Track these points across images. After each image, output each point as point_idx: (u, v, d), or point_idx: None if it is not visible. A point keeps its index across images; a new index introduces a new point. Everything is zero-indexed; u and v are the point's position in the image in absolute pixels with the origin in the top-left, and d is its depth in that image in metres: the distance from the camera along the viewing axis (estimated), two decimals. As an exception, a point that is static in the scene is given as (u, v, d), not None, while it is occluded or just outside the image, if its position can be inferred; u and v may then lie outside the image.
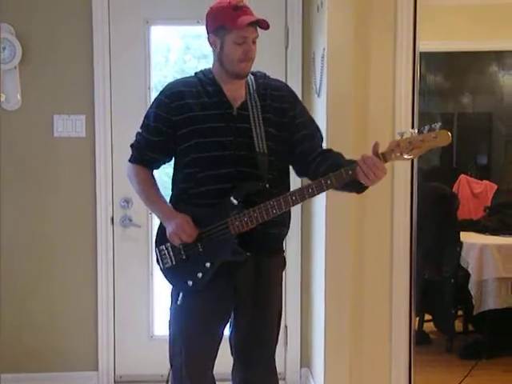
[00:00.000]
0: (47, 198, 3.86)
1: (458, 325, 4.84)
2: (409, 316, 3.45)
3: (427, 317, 4.84)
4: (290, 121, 2.58)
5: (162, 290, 4.01)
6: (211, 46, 2.54)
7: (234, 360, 2.71)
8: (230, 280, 2.50)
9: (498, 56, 4.15)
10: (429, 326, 4.83)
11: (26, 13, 3.80)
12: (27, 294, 3.88)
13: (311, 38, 3.77)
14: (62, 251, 3.88)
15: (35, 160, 3.85)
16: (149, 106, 2.62)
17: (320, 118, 3.12)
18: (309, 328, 3.78)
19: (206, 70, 2.61)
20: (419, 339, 4.33)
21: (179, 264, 2.51)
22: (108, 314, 3.89)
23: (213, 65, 2.59)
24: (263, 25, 2.48)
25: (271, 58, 3.68)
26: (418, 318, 4.51)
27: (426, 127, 2.30)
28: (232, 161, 2.47)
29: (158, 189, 2.64)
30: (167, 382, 2.70)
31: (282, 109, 2.57)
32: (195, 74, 2.62)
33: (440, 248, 4.46)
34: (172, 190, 2.62)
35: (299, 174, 2.67)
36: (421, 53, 3.35)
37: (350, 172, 2.35)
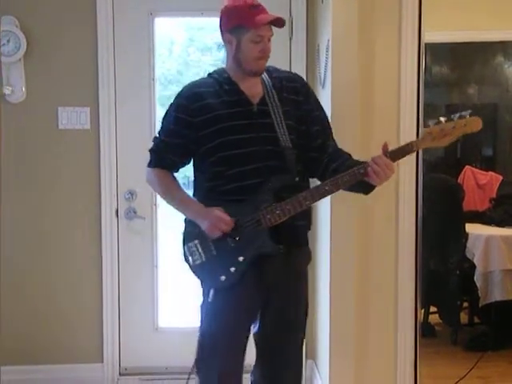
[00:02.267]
0: (52, 190, 3.87)
1: (464, 317, 4.83)
2: (414, 308, 3.44)
3: (432, 309, 4.83)
4: (306, 114, 2.60)
5: (166, 282, 4.03)
6: (226, 44, 2.55)
7: (257, 356, 2.68)
8: (260, 274, 2.49)
9: (504, 46, 4.13)
10: (434, 318, 4.82)
11: (30, 5, 3.79)
12: (31, 287, 3.89)
13: (316, 29, 3.75)
14: (67, 244, 3.88)
15: (40, 152, 3.85)
16: (166, 110, 2.63)
17: (325, 109, 3.10)
18: (314, 320, 3.78)
19: (219, 69, 2.63)
20: (424, 331, 4.31)
21: (210, 260, 2.51)
22: (113, 306, 3.90)
23: (226, 64, 2.60)
24: (279, 23, 2.50)
25: (275, 50, 3.58)
26: (423, 310, 4.50)
27: (457, 115, 2.37)
28: (259, 156, 2.49)
29: (183, 189, 2.64)
30: (189, 374, 2.70)
31: (298, 101, 2.60)
32: (209, 74, 2.63)
33: (445, 239, 4.44)
34: (195, 189, 2.63)
35: (310, 172, 2.65)
36: (426, 44, 3.33)
37: (362, 171, 2.41)
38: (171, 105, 2.61)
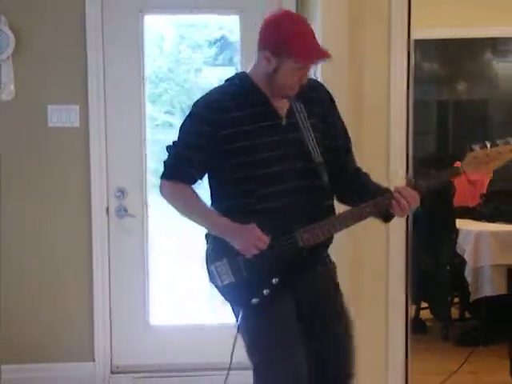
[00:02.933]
0: (41, 188, 3.84)
1: (455, 312, 4.86)
2: (405, 304, 3.46)
3: (424, 304, 4.85)
4: (330, 127, 2.45)
5: (157, 280, 4.03)
6: (262, 59, 2.32)
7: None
8: (294, 294, 2.36)
9: (493, 43, 4.15)
10: (425, 314, 4.85)
11: (18, 3, 3.77)
12: (22, 284, 3.87)
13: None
14: (57, 241, 3.86)
15: (29, 150, 3.83)
16: (185, 120, 2.42)
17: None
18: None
19: (241, 75, 2.43)
20: (416, 327, 4.34)
21: (240, 280, 2.32)
22: (104, 304, 3.88)
23: (254, 71, 2.38)
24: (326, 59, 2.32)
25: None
26: (414, 306, 4.53)
27: (502, 141, 2.34)
28: (291, 174, 2.33)
29: (206, 203, 2.41)
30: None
31: (323, 113, 2.44)
32: (229, 81, 2.43)
33: (436, 235, 4.46)
34: (212, 203, 2.43)
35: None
36: (416, 40, 3.35)
37: (387, 201, 2.32)
38: (191, 115, 2.39)
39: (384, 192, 2.36)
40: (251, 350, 2.38)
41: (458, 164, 4.99)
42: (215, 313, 3.99)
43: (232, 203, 2.37)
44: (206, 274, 2.41)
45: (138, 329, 3.95)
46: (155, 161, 4.31)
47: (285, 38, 2.25)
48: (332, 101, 2.50)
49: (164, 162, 2.45)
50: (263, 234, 2.27)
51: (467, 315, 4.80)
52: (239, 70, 3.81)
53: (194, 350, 3.92)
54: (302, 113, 2.37)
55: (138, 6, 3.83)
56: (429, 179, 2.37)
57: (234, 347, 2.45)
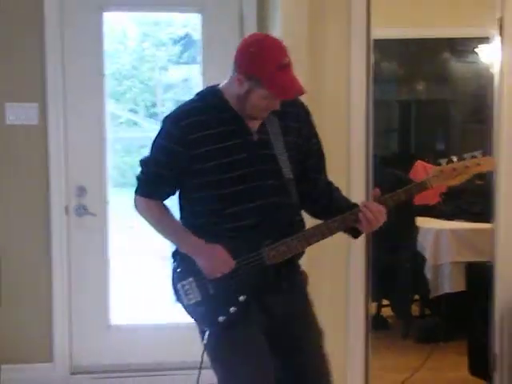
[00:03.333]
0: (0, 186, 3.80)
1: (415, 309, 4.91)
2: (365, 301, 3.48)
3: (385, 302, 4.89)
4: (305, 142, 2.40)
5: (118, 280, 4.00)
6: (234, 80, 2.25)
7: None
8: (261, 312, 2.32)
9: (451, 43, 4.21)
10: (387, 311, 4.89)
11: (-25, -1, 3.72)
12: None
13: (267, 24, 3.76)
14: (16, 240, 3.81)
15: (-13, 149, 3.79)
16: (157, 137, 2.35)
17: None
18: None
19: (212, 90, 2.36)
20: (377, 324, 4.38)
21: (206, 299, 2.30)
22: (63, 303, 3.84)
23: (227, 88, 2.31)
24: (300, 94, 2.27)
25: (226, 41, 3.65)
26: (375, 304, 4.56)
27: (469, 155, 2.35)
28: (261, 192, 2.29)
29: (177, 220, 2.40)
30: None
31: (298, 128, 2.38)
32: (200, 96, 2.38)
33: (397, 234, 4.49)
34: (183, 221, 2.40)
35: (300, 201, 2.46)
36: (375, 40, 3.37)
37: (354, 217, 2.30)
38: (163, 132, 2.34)
39: (352, 207, 2.34)
40: (215, 365, 2.36)
41: (419, 163, 5.07)
42: (175, 312, 3.98)
43: (199, 222, 2.35)
44: (172, 293, 2.39)
45: (99, 328, 3.92)
46: (118, 159, 4.29)
47: (261, 68, 2.20)
48: (308, 115, 2.45)
49: (137, 178, 2.43)
50: (229, 258, 2.27)
51: (427, 312, 4.85)
52: (202, 69, 3.88)
53: (154, 350, 3.91)
54: (275, 128, 2.34)
55: (98, 2, 3.79)
56: (396, 194, 2.34)
57: (203, 355, 2.38)
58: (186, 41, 4.23)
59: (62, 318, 3.85)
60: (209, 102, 2.33)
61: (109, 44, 3.87)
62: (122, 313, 4.02)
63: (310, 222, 2.45)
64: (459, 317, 4.26)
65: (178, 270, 2.37)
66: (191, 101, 2.38)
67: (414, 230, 4.55)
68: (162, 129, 2.35)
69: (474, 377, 3.87)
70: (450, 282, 4.44)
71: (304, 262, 3.18)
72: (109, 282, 3.92)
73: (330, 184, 2.50)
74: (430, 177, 2.35)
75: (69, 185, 3.82)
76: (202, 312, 2.33)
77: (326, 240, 3.33)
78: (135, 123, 4.47)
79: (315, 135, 2.47)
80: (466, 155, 2.37)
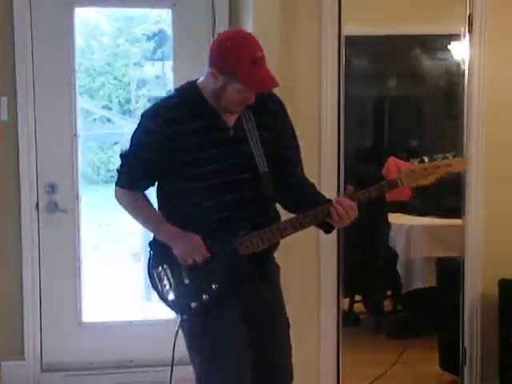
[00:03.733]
0: (-32, 183, 3.76)
1: (388, 304, 4.93)
2: (337, 297, 3.50)
3: (357, 297, 4.91)
4: (280, 138, 2.45)
5: (90, 277, 3.98)
6: (210, 75, 2.30)
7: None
8: (233, 300, 2.38)
9: (422, 40, 4.24)
10: (359, 307, 4.91)
11: None
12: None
13: (238, 20, 3.75)
14: (-15, 239, 3.78)
15: (-45, 145, 3.74)
16: (135, 131, 2.42)
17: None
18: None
19: (190, 86, 2.40)
20: (349, 320, 4.39)
21: (180, 286, 2.37)
22: (34, 301, 3.81)
23: (203, 83, 2.36)
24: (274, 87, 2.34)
25: (197, 37, 3.65)
26: (348, 299, 4.58)
27: (440, 155, 2.41)
28: (236, 186, 2.35)
29: (155, 209, 2.47)
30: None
31: (274, 124, 2.44)
32: (178, 91, 2.43)
33: (368, 230, 4.52)
34: (162, 209, 2.46)
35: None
36: (346, 37, 3.38)
37: (325, 211, 2.35)
38: (141, 127, 2.40)
39: (325, 203, 2.39)
40: (191, 353, 2.43)
41: (391, 159, 5.08)
42: (147, 309, 3.98)
43: (178, 212, 2.40)
44: (148, 280, 2.44)
45: (70, 326, 3.90)
46: (92, 155, 4.27)
47: (235, 63, 2.24)
48: (284, 111, 2.50)
49: (117, 170, 2.51)
50: (203, 245, 2.33)
51: (399, 308, 4.88)
52: (173, 65, 3.87)
53: (125, 347, 3.90)
54: (250, 123, 2.38)
55: (68, -3, 3.76)
56: (367, 191, 2.39)
57: (174, 346, 2.45)
58: (159, 37, 4.22)
59: (32, 315, 3.82)
60: (186, 97, 2.38)
61: (82, 40, 3.84)
62: (94, 310, 4.00)
63: (285, 215, 2.48)
64: (431, 312, 4.29)
65: (154, 258, 2.44)
66: (169, 96, 2.47)
67: (386, 226, 4.57)
68: (140, 123, 2.41)
69: (444, 371, 3.91)
70: (421, 278, 4.47)
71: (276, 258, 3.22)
72: (80, 279, 3.90)
73: (304, 180, 2.54)
74: (402, 176, 2.39)
75: (39, 181, 3.78)
76: (176, 298, 2.39)
77: (297, 236, 3.34)
78: (109, 120, 4.45)
79: (291, 131, 2.52)
80: (436, 156, 2.42)
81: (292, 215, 2.44)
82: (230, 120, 2.37)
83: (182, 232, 2.36)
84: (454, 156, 2.43)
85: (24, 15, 3.68)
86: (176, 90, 2.47)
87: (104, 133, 4.45)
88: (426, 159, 2.41)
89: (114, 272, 4.03)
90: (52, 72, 3.77)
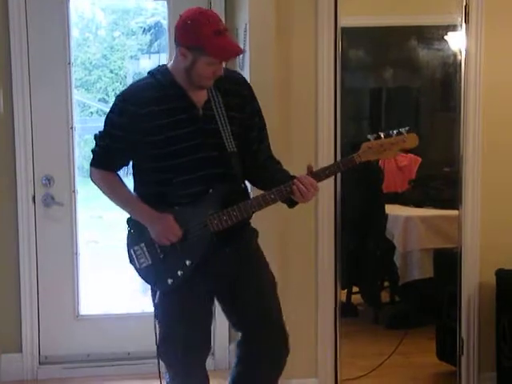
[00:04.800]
0: (-35, 176, 3.75)
1: (385, 296, 4.94)
2: (334, 288, 3.50)
3: (355, 289, 4.91)
4: (247, 118, 2.59)
5: (87, 270, 3.98)
6: (178, 54, 2.45)
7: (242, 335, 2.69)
8: (208, 274, 2.52)
9: (418, 31, 4.23)
10: (357, 298, 4.91)
11: None
12: None
13: (234, 13, 3.74)
14: (-18, 232, 3.78)
15: (-49, 138, 3.73)
16: (109, 113, 2.55)
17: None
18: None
19: (162, 69, 2.54)
20: (347, 311, 4.39)
21: (156, 263, 2.52)
22: (31, 294, 3.81)
23: (173, 65, 2.51)
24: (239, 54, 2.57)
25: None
26: (345, 291, 4.58)
27: (395, 131, 2.50)
28: (205, 163, 2.49)
29: (130, 190, 2.60)
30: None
31: (242, 105, 2.57)
32: (151, 74, 2.54)
33: (366, 221, 4.52)
34: (136, 190, 2.59)
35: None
36: (343, 28, 3.37)
37: (288, 189, 2.47)
38: (115, 108, 2.53)
39: (289, 180, 2.51)
40: (158, 323, 2.60)
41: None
42: (144, 302, 3.97)
43: (151, 191, 2.54)
44: (127, 257, 2.60)
45: (68, 319, 3.91)
46: (88, 149, 4.26)
47: (200, 37, 2.37)
48: (251, 92, 2.63)
49: (92, 151, 2.62)
50: (176, 226, 2.47)
51: (397, 299, 4.88)
52: (169, 56, 3.86)
53: (123, 339, 3.91)
54: (219, 104, 2.51)
55: (63, -11, 3.75)
56: (326, 168, 2.54)
57: (156, 334, 2.63)
58: (156, 30, 4.21)
59: (30, 308, 3.82)
60: (157, 79, 2.51)
61: (78, 33, 3.83)
62: (91, 303, 4.00)
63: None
64: (428, 303, 4.30)
65: (131, 236, 2.58)
66: (142, 79, 2.59)
67: (383, 217, 4.57)
68: (114, 104, 2.54)
69: (442, 362, 3.92)
70: (418, 269, 4.47)
71: (273, 250, 3.22)
72: (77, 272, 3.90)
73: (271, 158, 2.68)
74: (360, 153, 2.52)
75: (36, 174, 3.78)
76: (153, 275, 2.54)
77: (294, 228, 3.40)
78: (105, 113, 4.44)
79: (258, 111, 2.65)
80: (392, 132, 2.51)
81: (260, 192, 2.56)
82: (200, 101, 2.50)
83: (156, 213, 2.49)
84: (408, 132, 2.50)
85: (19, 8, 3.67)
86: (148, 72, 2.57)
87: (100, 126, 4.44)
88: (382, 135, 2.50)
89: (111, 265, 4.02)
90: (48, 65, 3.76)
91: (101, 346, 3.91)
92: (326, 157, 3.39)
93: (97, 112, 4.40)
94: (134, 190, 2.60)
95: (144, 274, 2.56)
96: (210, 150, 2.49)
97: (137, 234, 2.54)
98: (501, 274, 3.47)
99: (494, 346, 3.50)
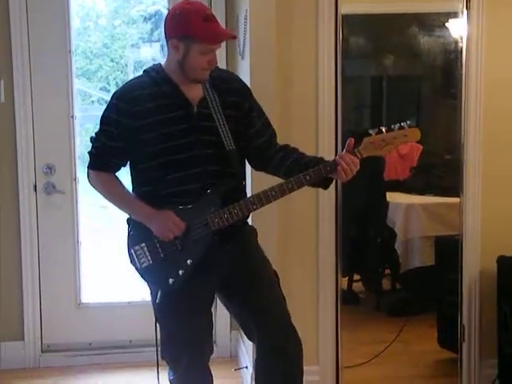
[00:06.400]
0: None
1: (386, 283, 4.94)
2: (335, 276, 3.51)
3: (356, 277, 4.92)
4: (246, 115, 2.58)
5: (89, 258, 3.99)
6: (170, 47, 2.46)
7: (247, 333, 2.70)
8: (208, 273, 2.51)
9: (418, 18, 4.21)
10: (358, 286, 4.92)
11: None
12: None
13: (234, 0, 3.74)
14: (-16, 220, 3.79)
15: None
16: (105, 111, 2.53)
17: (244, 79, 3.11)
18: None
19: (156, 67, 2.55)
20: (349, 299, 4.40)
21: (157, 263, 2.50)
22: (33, 282, 3.84)
23: (166, 62, 2.52)
24: (231, 39, 2.55)
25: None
26: (347, 278, 4.59)
27: (397, 125, 2.48)
28: (200, 160, 2.47)
29: (128, 190, 2.58)
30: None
31: (238, 102, 2.57)
32: (146, 72, 2.55)
33: (367, 209, 4.52)
34: (135, 190, 2.58)
35: (257, 167, 2.72)
36: (343, 15, 3.35)
37: (329, 168, 2.47)
38: (110, 106, 2.52)
39: (319, 161, 2.52)
40: (160, 323, 2.59)
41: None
42: (146, 290, 3.98)
43: (148, 189, 2.53)
44: (127, 257, 2.57)
45: (70, 307, 3.93)
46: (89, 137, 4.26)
47: (189, 25, 2.38)
48: (247, 89, 2.65)
49: (88, 153, 2.59)
50: (178, 219, 2.45)
51: (398, 286, 4.89)
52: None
53: (125, 328, 3.93)
54: (215, 102, 2.51)
55: (63, -22, 3.74)
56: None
57: (156, 326, 2.62)
58: (156, 18, 4.21)
59: (32, 296, 3.85)
60: (151, 76, 2.51)
61: (79, 21, 3.83)
62: (93, 291, 4.02)
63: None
64: (429, 290, 4.30)
65: (131, 236, 2.56)
66: (137, 77, 2.60)
67: (384, 205, 4.56)
68: (110, 103, 2.53)
69: (443, 349, 3.92)
70: (420, 256, 4.47)
71: (274, 238, 3.23)
72: (79, 260, 3.92)
73: (286, 146, 2.66)
74: (361, 148, 2.50)
75: (37, 162, 3.80)
76: (154, 274, 2.52)
77: (295, 216, 3.39)
78: (107, 102, 4.44)
79: (256, 108, 2.64)
80: (393, 126, 2.49)
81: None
82: (194, 98, 2.49)
83: (155, 211, 2.47)
84: (410, 126, 2.50)
85: (20, -1, 3.67)
86: (144, 70, 2.57)
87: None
88: (384, 130, 2.49)
89: (113, 253, 4.03)
90: (48, 54, 3.77)
91: (102, 334, 3.93)
92: (327, 145, 3.38)
93: (98, 101, 4.39)
94: (133, 190, 2.59)
95: (145, 273, 2.54)
96: (205, 148, 2.48)
97: (137, 234, 2.53)
98: (502, 261, 3.47)
99: (495, 333, 3.51)
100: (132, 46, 4.24)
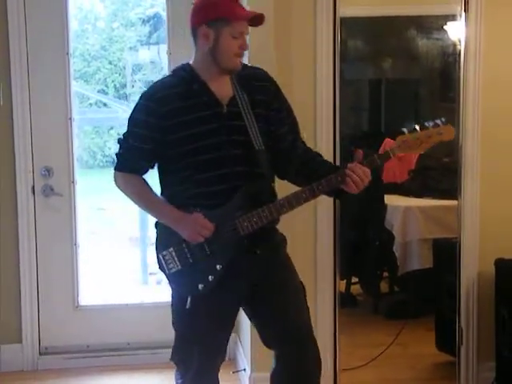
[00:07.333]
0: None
1: (385, 286, 4.94)
2: (333, 279, 3.51)
3: (354, 279, 4.92)
4: (275, 114, 2.53)
5: (86, 260, 3.99)
6: (198, 38, 2.42)
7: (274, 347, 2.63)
8: (238, 279, 2.45)
9: (417, 21, 4.22)
10: (357, 289, 4.92)
11: None
12: None
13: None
14: (-18, 223, 3.78)
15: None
16: (133, 113, 2.50)
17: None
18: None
19: (184, 66, 2.51)
20: (346, 301, 4.40)
21: (186, 268, 2.44)
22: (31, 285, 3.84)
23: (195, 60, 2.48)
24: (260, 20, 2.47)
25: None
26: (345, 281, 4.59)
27: (431, 123, 2.39)
28: (228, 161, 2.42)
29: (156, 193, 2.52)
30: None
31: (267, 101, 2.51)
32: (173, 71, 2.53)
33: (365, 211, 4.52)
34: (163, 193, 2.53)
35: (280, 173, 2.61)
36: (342, 18, 3.36)
37: (339, 179, 2.40)
38: (138, 107, 2.48)
39: (336, 170, 2.45)
40: (177, 326, 2.54)
41: (388, 140, 5.07)
42: (144, 292, 4.00)
43: (175, 190, 2.48)
44: (156, 262, 2.51)
45: (67, 309, 3.93)
46: (87, 140, 4.27)
47: (217, 8, 2.37)
48: (277, 88, 2.58)
49: (116, 154, 2.54)
50: (208, 223, 2.39)
51: (396, 289, 4.89)
52: (168, 48, 3.85)
53: (123, 330, 3.93)
54: (244, 101, 2.45)
55: (62, -20, 3.74)
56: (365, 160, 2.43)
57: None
58: (155, 21, 4.21)
59: (30, 298, 3.85)
60: (180, 76, 2.47)
61: (77, 24, 3.83)
62: (91, 293, 4.02)
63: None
64: (427, 293, 4.30)
65: (159, 240, 2.50)
66: (165, 77, 2.61)
67: (382, 207, 4.56)
68: (138, 104, 2.49)
69: (441, 352, 3.92)
70: (418, 259, 4.47)
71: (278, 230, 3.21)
72: (77, 263, 3.91)
73: (309, 150, 2.62)
74: (394, 147, 2.41)
75: (35, 165, 3.80)
76: (183, 280, 2.46)
77: (293, 219, 3.37)
78: (105, 104, 4.44)
79: (286, 107, 2.59)
80: (427, 123, 2.41)
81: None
82: (224, 97, 2.44)
83: (183, 214, 2.41)
84: (444, 123, 2.42)
85: (18, 0, 3.67)
86: (172, 71, 2.56)
87: (100, 117, 4.45)
88: (418, 128, 2.41)
89: (110, 256, 4.04)
90: (47, 56, 3.78)
91: (100, 337, 3.93)
92: (325, 148, 3.38)
93: (96, 103, 4.40)
94: (161, 193, 2.53)
95: (173, 279, 2.48)
96: (234, 148, 2.42)
97: (165, 239, 2.47)
98: (500, 264, 3.47)
99: (493, 336, 3.51)
100: (130, 48, 4.25)
